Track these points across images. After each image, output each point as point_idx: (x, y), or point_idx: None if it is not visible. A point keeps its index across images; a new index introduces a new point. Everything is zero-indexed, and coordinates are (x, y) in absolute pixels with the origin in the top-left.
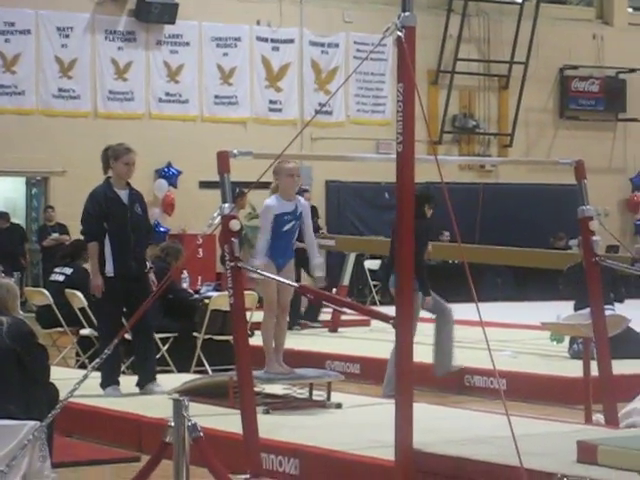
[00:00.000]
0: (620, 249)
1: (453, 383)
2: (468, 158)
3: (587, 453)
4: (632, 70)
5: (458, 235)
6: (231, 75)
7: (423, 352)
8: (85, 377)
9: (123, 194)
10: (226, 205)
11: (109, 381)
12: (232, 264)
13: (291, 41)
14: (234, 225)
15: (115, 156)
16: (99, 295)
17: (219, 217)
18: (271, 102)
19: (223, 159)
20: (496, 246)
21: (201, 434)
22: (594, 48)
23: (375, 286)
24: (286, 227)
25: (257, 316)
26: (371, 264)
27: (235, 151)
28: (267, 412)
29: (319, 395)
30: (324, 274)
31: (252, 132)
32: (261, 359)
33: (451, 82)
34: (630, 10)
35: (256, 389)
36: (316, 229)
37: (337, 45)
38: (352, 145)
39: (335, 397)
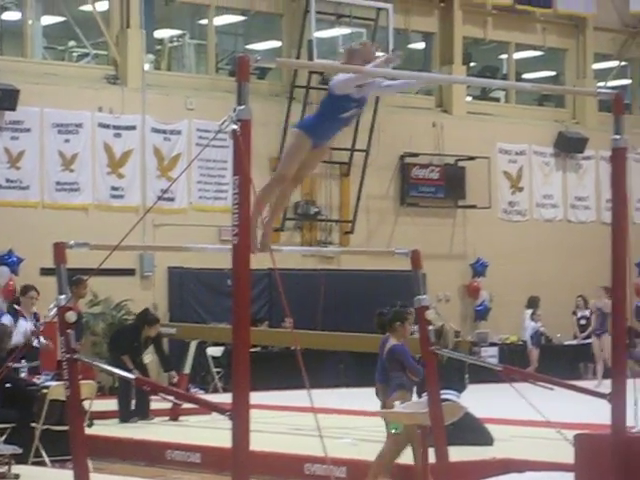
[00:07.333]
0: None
1: (293, 471)
2: (304, 248)
3: None
4: (471, 158)
5: (291, 322)
6: (73, 161)
7: (262, 440)
8: None
9: None
10: (62, 297)
11: None
12: (68, 356)
13: (133, 128)
14: (70, 317)
15: None
16: None
17: (55, 308)
18: (113, 188)
19: (59, 250)
20: (337, 332)
21: None
22: (434, 136)
23: (218, 373)
24: (345, 114)
25: (97, 405)
26: (214, 351)
27: (72, 242)
28: None
29: None
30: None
31: (94, 218)
32: (97, 449)
33: None
34: (469, 99)
35: None
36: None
37: (179, 132)
38: (195, 231)
39: None
